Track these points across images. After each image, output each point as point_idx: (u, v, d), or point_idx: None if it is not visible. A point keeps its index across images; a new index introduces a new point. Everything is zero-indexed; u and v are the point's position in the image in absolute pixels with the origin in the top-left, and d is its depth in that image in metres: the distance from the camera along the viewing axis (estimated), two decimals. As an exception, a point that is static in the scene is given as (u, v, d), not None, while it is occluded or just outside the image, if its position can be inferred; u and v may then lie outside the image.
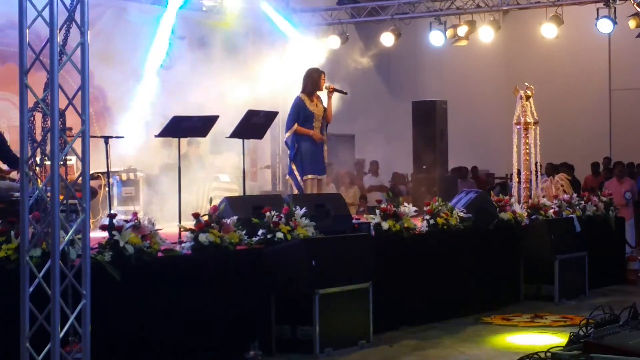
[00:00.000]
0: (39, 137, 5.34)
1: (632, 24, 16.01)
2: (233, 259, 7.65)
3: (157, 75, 14.85)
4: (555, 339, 7.91)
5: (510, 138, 12.65)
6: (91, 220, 8.52)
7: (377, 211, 9.26)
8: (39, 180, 5.36)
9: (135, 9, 14.37)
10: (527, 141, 12.44)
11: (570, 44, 19.07)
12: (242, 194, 10.10)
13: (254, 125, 9.92)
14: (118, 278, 6.47)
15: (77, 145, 5.24)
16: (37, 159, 5.40)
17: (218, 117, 9.54)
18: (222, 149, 13.87)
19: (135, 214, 7.11)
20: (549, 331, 8.88)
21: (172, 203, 9.56)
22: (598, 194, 12.93)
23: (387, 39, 17.39)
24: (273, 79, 15.51)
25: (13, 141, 9.45)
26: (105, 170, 9.94)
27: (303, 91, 10.70)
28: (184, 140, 11.74)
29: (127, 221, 6.81)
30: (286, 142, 10.74)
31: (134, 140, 12.63)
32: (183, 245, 7.50)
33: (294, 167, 10.57)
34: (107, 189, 10.34)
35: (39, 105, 5.19)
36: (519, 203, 11.77)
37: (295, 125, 10.56)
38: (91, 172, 5.40)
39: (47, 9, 5.02)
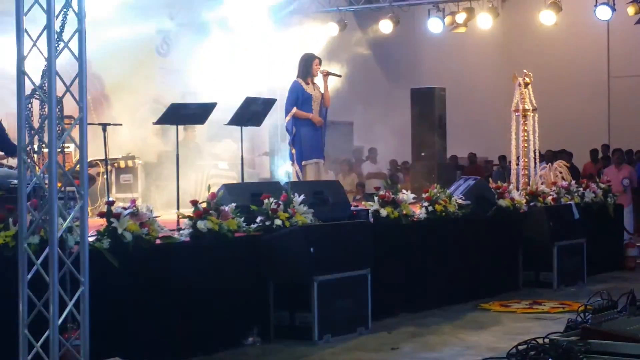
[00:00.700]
0: (36, 125, 5.33)
1: (630, 10, 16.00)
2: (231, 246, 7.65)
3: (155, 62, 14.84)
4: (553, 325, 7.92)
5: (508, 125, 12.64)
6: (89, 208, 8.53)
7: (376, 198, 9.27)
8: (37, 168, 5.36)
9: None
10: (526, 128, 12.43)
11: (568, 30, 19.03)
12: (240, 181, 10.10)
13: (252, 112, 9.92)
14: (116, 265, 6.48)
15: (75, 132, 5.23)
16: (35, 146, 5.38)
17: (216, 104, 9.53)
18: (220, 136, 13.87)
19: (133, 201, 7.11)
20: (547, 317, 8.89)
21: (171, 190, 9.57)
22: (596, 180, 12.94)
23: (385, 26, 17.38)
24: (271, 66, 15.50)
25: (11, 128, 9.45)
26: (103, 157, 9.93)
27: (298, 75, 10.80)
28: (181, 127, 11.73)
29: (125, 208, 6.81)
30: (286, 127, 10.81)
31: (132, 128, 12.62)
32: (181, 232, 7.50)
33: (293, 151, 10.62)
34: (105, 176, 10.35)
35: (37, 93, 5.18)
36: (518, 190, 11.77)
37: (294, 109, 10.61)
38: (89, 159, 5.40)
39: (45, -5, 5.01)
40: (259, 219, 8.01)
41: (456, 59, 20.62)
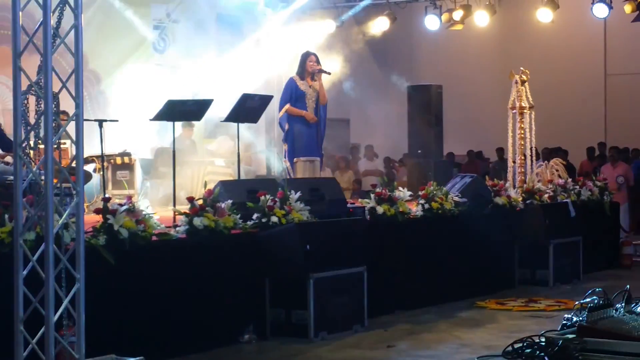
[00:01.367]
0: (32, 121, 5.31)
1: (627, 8, 15.99)
2: (227, 243, 7.64)
3: (151, 58, 14.83)
4: (549, 323, 7.93)
5: (505, 122, 12.64)
6: (85, 204, 8.51)
7: (372, 195, 9.26)
8: (32, 164, 5.34)
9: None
10: (522, 126, 12.43)
11: (565, 28, 19.03)
12: (236, 178, 10.09)
13: (248, 109, 9.91)
14: (112, 262, 6.47)
15: (71, 128, 5.22)
16: (31, 142, 5.36)
17: (212, 100, 9.53)
18: (217, 133, 13.88)
19: (129, 197, 7.10)
20: (543, 315, 8.90)
21: (167, 187, 9.56)
22: (593, 178, 12.94)
23: (382, 23, 17.36)
24: (268, 63, 15.50)
25: (7, 124, 9.44)
26: (99, 154, 9.92)
27: (296, 73, 10.78)
28: (178, 124, 11.71)
29: (121, 205, 6.80)
30: (279, 123, 10.84)
31: (128, 124, 12.61)
32: (177, 229, 7.49)
33: (285, 147, 10.65)
34: (101, 172, 10.34)
35: (33, 88, 5.16)
36: (514, 187, 11.77)
37: (287, 105, 10.61)
38: (85, 155, 5.40)
39: (41, -9, 4.99)
40: (255, 215, 8.01)
41: (453, 56, 20.63)
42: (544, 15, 16.51)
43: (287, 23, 16.30)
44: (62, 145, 10.30)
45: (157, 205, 10.55)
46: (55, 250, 5.03)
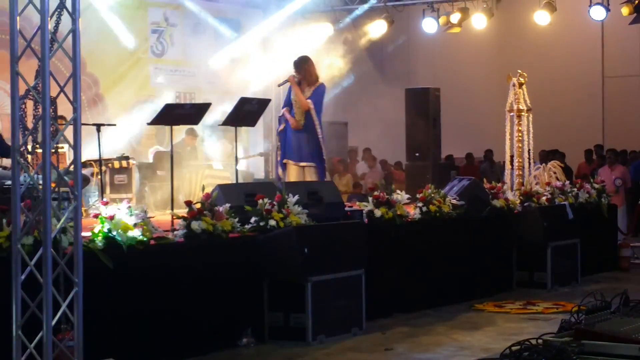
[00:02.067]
0: (30, 125, 5.32)
1: (625, 11, 16.00)
2: (225, 246, 7.65)
3: (149, 62, 14.84)
4: (547, 326, 7.93)
5: (503, 125, 12.65)
6: (83, 208, 8.51)
7: (370, 198, 9.26)
8: (30, 168, 5.35)
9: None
10: (520, 128, 12.44)
11: (563, 31, 19.04)
12: (234, 181, 10.10)
13: (246, 112, 9.92)
14: (110, 266, 6.47)
15: (69, 133, 5.23)
16: (29, 146, 5.37)
17: (210, 104, 9.55)
18: (215, 136, 13.88)
19: (127, 201, 7.10)
20: (540, 318, 8.90)
21: (166, 190, 9.56)
22: (590, 181, 12.95)
23: (380, 26, 17.38)
24: (266, 67, 15.50)
25: (5, 129, 9.45)
26: (97, 158, 9.92)
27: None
28: (181, 129, 11.76)
29: (119, 209, 6.79)
30: (279, 120, 10.96)
31: (126, 128, 12.63)
32: (175, 233, 7.49)
33: (278, 144, 10.75)
34: (99, 176, 10.34)
35: (30, 93, 5.17)
36: (512, 190, 11.77)
37: (284, 109, 10.72)
38: (83, 160, 5.40)
39: (38, -5, 5.00)
40: (253, 219, 8.01)
41: (451, 59, 20.64)
42: (542, 17, 16.53)
43: (285, 27, 16.30)
44: (60, 150, 10.31)
45: (156, 208, 10.57)
46: (53, 254, 5.03)
